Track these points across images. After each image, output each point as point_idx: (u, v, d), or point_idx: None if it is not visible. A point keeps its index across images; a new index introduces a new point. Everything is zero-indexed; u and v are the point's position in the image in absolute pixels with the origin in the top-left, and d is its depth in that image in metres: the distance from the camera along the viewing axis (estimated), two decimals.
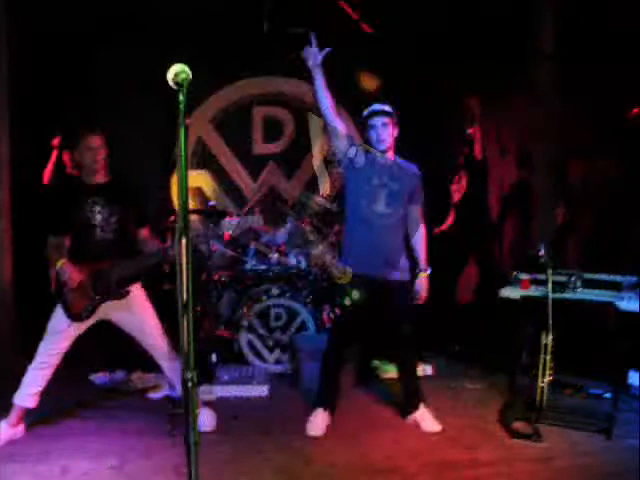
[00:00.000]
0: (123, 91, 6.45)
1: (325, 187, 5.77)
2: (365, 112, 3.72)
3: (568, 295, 3.86)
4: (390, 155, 3.73)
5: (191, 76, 1.90)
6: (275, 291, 5.09)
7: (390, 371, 4.75)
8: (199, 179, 6.95)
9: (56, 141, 5.32)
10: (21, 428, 3.63)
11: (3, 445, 3.46)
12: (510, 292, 4.10)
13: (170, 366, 3.67)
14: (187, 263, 1.89)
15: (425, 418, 3.80)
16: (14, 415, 3.57)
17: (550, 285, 3.68)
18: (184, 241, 1.89)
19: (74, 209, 3.51)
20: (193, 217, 6.57)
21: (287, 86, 6.99)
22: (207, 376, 4.53)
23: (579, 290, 3.90)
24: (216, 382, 4.45)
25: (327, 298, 5.31)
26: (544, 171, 4.82)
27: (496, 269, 6.21)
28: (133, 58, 6.48)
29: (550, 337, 3.66)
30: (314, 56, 3.54)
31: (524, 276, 4.11)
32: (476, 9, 5.86)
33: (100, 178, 3.59)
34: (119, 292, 3.52)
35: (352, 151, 3.68)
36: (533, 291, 4.03)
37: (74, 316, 3.49)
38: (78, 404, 4.17)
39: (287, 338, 4.95)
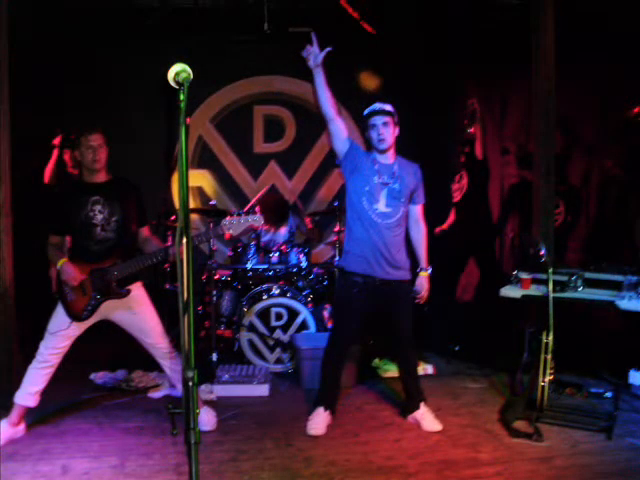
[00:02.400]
0: (124, 90, 6.47)
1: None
2: (366, 111, 3.71)
3: (569, 294, 3.86)
4: (391, 154, 3.73)
5: (192, 75, 1.90)
6: (276, 290, 5.09)
7: (391, 370, 4.76)
8: (200, 178, 6.96)
9: (57, 140, 5.32)
10: (22, 427, 3.63)
11: (4, 444, 3.46)
12: (511, 291, 4.10)
13: (171, 365, 3.67)
14: (188, 262, 1.89)
15: (426, 417, 3.80)
16: (15, 414, 3.57)
17: (551, 284, 3.68)
18: (185, 240, 1.88)
19: (75, 208, 3.51)
20: (193, 216, 6.60)
21: (288, 85, 7.00)
22: (207, 375, 4.54)
23: (580, 289, 3.90)
24: (216, 381, 4.45)
25: (327, 297, 5.32)
26: (544, 171, 4.81)
27: (496, 268, 6.21)
28: (134, 57, 6.50)
29: (551, 336, 3.66)
30: (315, 56, 3.53)
31: (525, 275, 4.11)
32: (477, 9, 5.87)
33: (101, 177, 3.58)
34: (119, 291, 3.52)
35: (352, 150, 3.68)
36: (534, 290, 4.03)
37: (74, 316, 3.49)
38: (79, 403, 4.18)
39: (288, 337, 4.95)
